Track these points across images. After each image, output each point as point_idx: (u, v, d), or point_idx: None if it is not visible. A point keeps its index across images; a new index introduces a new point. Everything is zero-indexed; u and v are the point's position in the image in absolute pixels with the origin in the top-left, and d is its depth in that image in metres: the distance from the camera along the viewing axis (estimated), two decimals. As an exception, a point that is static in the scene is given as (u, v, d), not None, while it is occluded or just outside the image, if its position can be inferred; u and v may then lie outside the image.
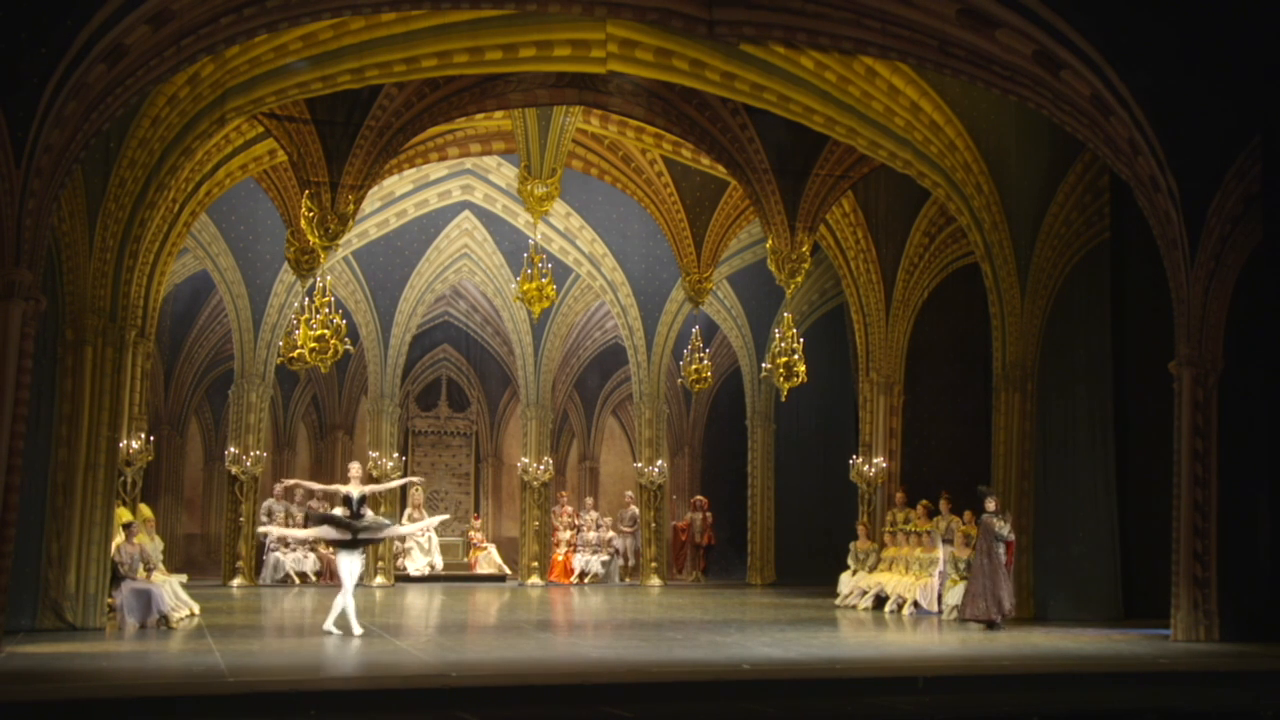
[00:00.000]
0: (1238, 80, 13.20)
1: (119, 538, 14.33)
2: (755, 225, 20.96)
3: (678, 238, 21.04)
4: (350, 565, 12.88)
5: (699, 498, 27.29)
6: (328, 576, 23.32)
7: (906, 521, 18.36)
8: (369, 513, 13.04)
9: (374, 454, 23.54)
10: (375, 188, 18.87)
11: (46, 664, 10.64)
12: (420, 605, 18.94)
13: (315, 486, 15.84)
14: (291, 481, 16.27)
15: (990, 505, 15.14)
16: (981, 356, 17.55)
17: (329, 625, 13.00)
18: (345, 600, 12.86)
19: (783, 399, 20.36)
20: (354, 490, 12.97)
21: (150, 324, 17.46)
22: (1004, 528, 15.07)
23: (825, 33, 13.63)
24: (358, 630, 12.91)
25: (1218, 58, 13.15)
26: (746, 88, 15.90)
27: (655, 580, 24.11)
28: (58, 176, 11.36)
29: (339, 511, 13.17)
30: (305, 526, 12.92)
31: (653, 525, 24.49)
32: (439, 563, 24.81)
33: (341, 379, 29.74)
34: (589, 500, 27.77)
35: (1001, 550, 15.01)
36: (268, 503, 23.71)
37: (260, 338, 22.47)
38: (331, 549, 12.62)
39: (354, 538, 12.85)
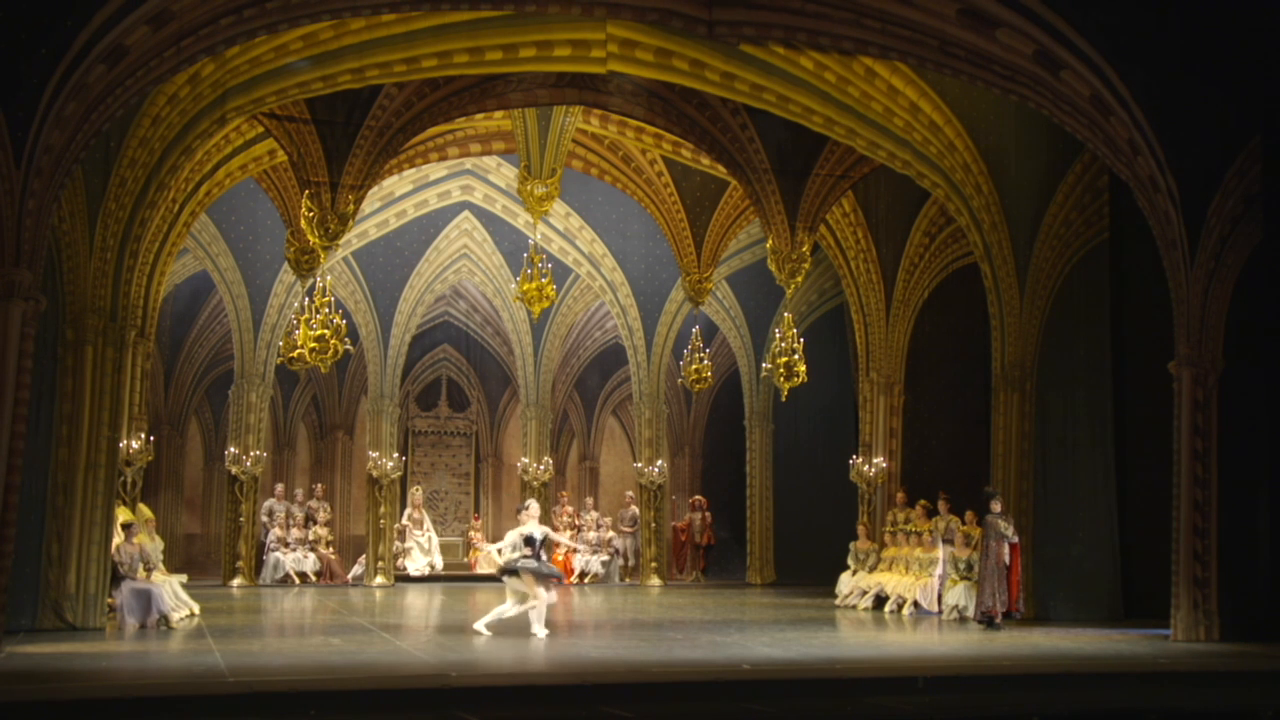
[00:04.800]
0: (1238, 80, 13.20)
1: (119, 538, 14.33)
2: (755, 225, 20.96)
3: (678, 238, 21.03)
4: (518, 584, 13.34)
5: (699, 498, 27.28)
6: (327, 576, 23.35)
7: (906, 521, 18.36)
8: (543, 555, 13.56)
9: (374, 454, 23.54)
10: (375, 188, 18.87)
11: (46, 664, 10.64)
12: (420, 605, 18.93)
13: (491, 548, 15.84)
14: (481, 549, 16.46)
15: (995, 506, 15.20)
16: (981, 356, 17.54)
17: (539, 630, 13.30)
18: (507, 610, 13.42)
19: (783, 399, 20.35)
20: (536, 531, 13.40)
21: (150, 324, 17.46)
22: (1008, 528, 15.11)
23: (825, 33, 13.63)
24: (486, 631, 13.43)
25: (1218, 58, 13.15)
26: (746, 88, 15.90)
27: (655, 580, 24.10)
28: (58, 177, 11.36)
29: (518, 550, 13.46)
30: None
31: (653, 525, 24.49)
32: (439, 563, 24.82)
33: (341, 379, 29.74)
34: (589, 500, 27.79)
35: (1006, 550, 15.04)
36: (268, 503, 23.73)
37: (260, 338, 22.47)
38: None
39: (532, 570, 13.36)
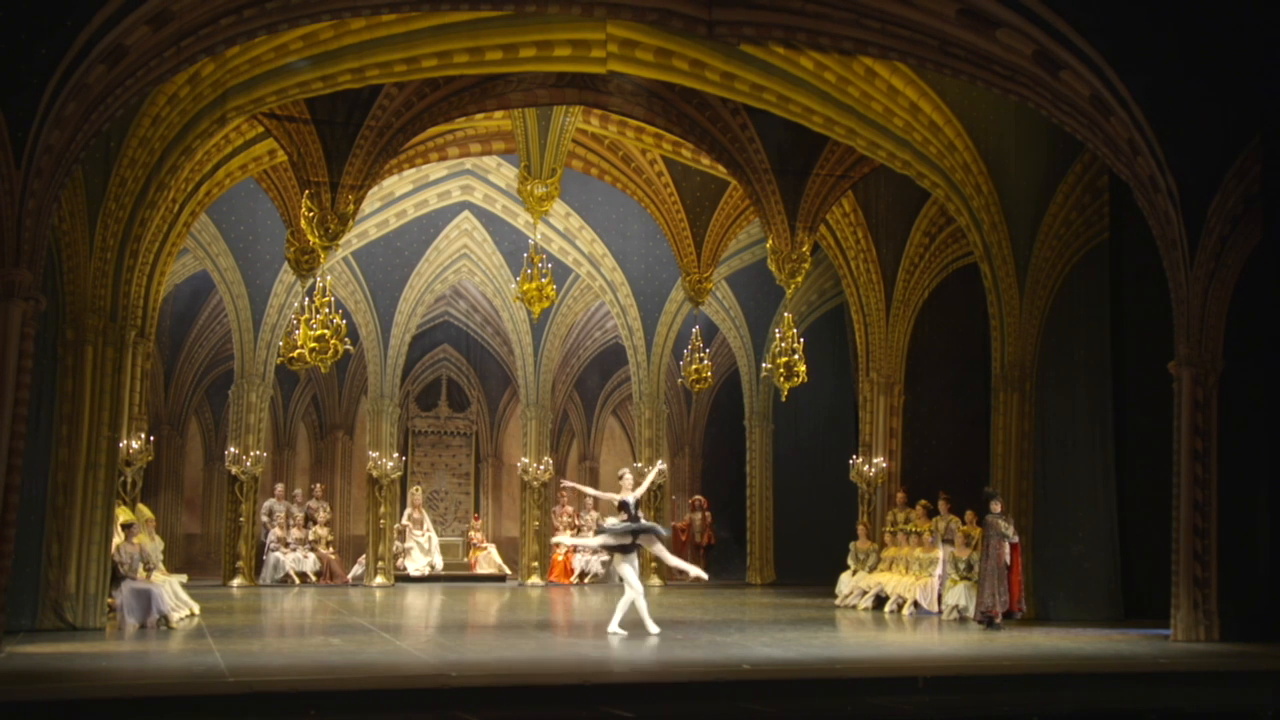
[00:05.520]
0: (1238, 80, 13.20)
1: (119, 538, 14.33)
2: (755, 225, 20.96)
3: (678, 238, 21.04)
4: (630, 567, 13.35)
5: (699, 498, 27.27)
6: (327, 576, 23.35)
7: (906, 521, 18.36)
8: (643, 516, 13.67)
9: (374, 454, 23.54)
10: (375, 188, 18.88)
11: (46, 664, 10.64)
12: (420, 605, 18.94)
13: (590, 491, 16.12)
14: (570, 484, 16.81)
15: (995, 507, 15.22)
16: (981, 356, 17.54)
17: (614, 627, 13.33)
18: (637, 599, 13.29)
19: (783, 399, 20.35)
20: (630, 496, 13.51)
21: (150, 324, 17.46)
22: (1008, 528, 15.14)
23: (825, 33, 13.63)
24: (654, 629, 13.28)
25: (1218, 58, 13.14)
26: (746, 88, 15.90)
27: (655, 580, 24.09)
28: (58, 177, 11.36)
29: (620, 518, 13.61)
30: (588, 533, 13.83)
31: (653, 525, 24.47)
32: (439, 563, 24.82)
33: (341, 379, 29.74)
34: (589, 500, 27.77)
35: (1007, 550, 15.06)
36: (268, 503, 23.74)
37: (260, 338, 22.48)
38: (607, 554, 13.44)
39: (634, 541, 13.39)
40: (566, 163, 18.98)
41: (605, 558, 25.07)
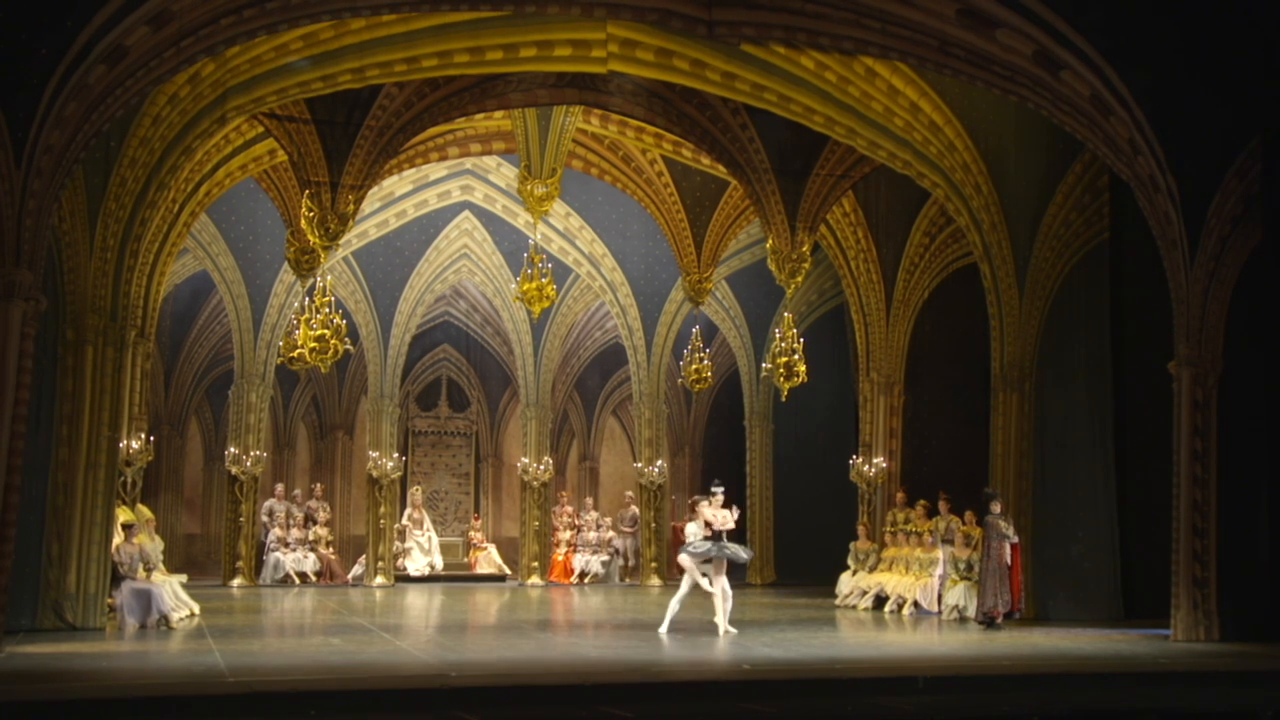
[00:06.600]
0: (1238, 80, 13.20)
1: (119, 538, 14.33)
2: (755, 225, 20.95)
3: (678, 238, 21.03)
4: (696, 574, 14.03)
5: (698, 497, 27.20)
6: (327, 576, 23.35)
7: (906, 521, 18.36)
8: (724, 536, 14.17)
9: (374, 454, 23.54)
10: (375, 188, 18.86)
11: (46, 664, 10.65)
12: (420, 605, 18.94)
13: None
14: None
15: (995, 507, 15.23)
16: (981, 356, 17.54)
17: (725, 627, 13.81)
18: (689, 594, 14.11)
19: (783, 399, 20.35)
20: (715, 516, 14.09)
21: (150, 324, 17.46)
22: (1009, 529, 15.15)
23: (825, 33, 13.63)
24: (665, 627, 13.94)
25: (1218, 58, 13.15)
26: (747, 88, 15.90)
27: (655, 580, 24.10)
28: (58, 177, 11.36)
29: (704, 535, 14.17)
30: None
31: (653, 525, 24.50)
32: (439, 563, 24.82)
33: (341, 379, 29.73)
34: (589, 500, 27.78)
35: (1008, 550, 15.07)
36: (268, 503, 23.74)
37: (260, 338, 22.48)
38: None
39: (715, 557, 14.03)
40: (566, 163, 18.97)
41: (605, 557, 25.15)
